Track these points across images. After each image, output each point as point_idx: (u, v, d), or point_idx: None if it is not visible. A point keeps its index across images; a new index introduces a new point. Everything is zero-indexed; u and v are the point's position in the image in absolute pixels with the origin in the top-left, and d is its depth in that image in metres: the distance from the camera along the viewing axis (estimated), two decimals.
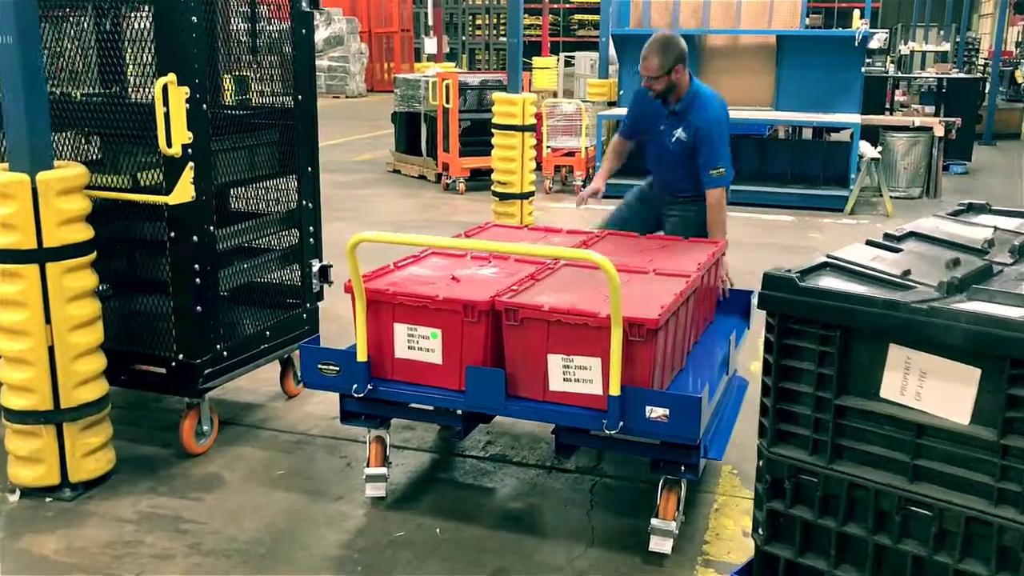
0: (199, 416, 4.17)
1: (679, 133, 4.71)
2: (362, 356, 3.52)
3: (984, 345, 1.97)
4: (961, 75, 16.59)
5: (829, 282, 2.26)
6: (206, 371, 4.04)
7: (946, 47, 22.42)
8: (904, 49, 21.95)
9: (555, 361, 3.31)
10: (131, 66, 4.09)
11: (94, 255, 3.68)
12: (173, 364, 4.03)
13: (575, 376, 3.30)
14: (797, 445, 2.30)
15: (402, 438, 4.36)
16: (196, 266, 3.94)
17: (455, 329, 3.43)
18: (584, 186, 11.33)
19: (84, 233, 3.63)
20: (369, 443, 3.77)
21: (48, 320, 3.57)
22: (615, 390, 3.17)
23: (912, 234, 2.75)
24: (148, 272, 4.20)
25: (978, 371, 2.01)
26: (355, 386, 3.54)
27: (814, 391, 2.23)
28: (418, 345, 3.50)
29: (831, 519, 2.27)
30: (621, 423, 3.20)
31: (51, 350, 3.60)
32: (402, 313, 3.50)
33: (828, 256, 2.40)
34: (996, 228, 2.88)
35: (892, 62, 21.91)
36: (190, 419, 4.14)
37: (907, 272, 2.31)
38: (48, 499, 3.75)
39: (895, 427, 2.14)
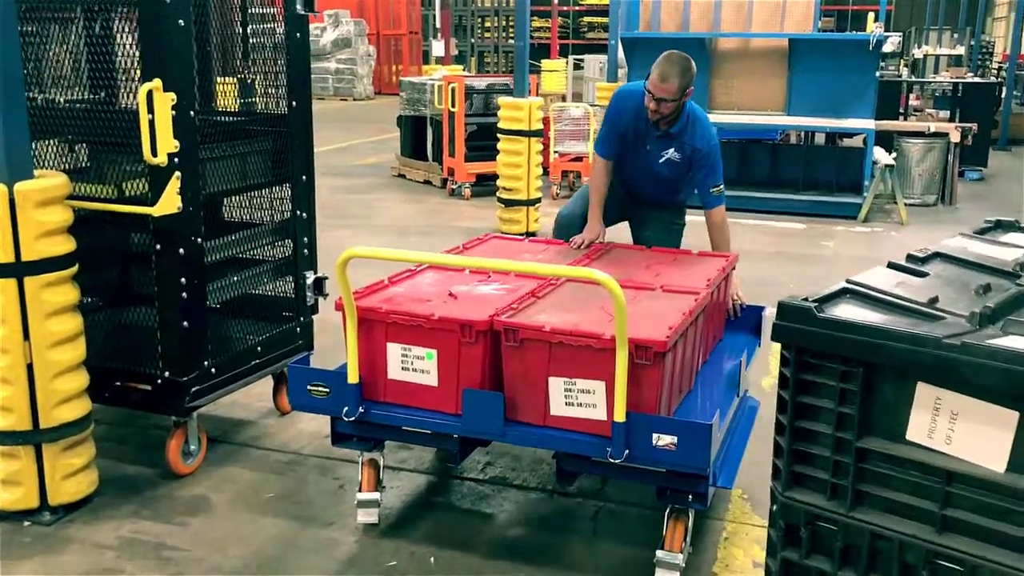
0: (186, 435, 4.01)
1: (670, 154, 4.51)
2: (353, 378, 3.35)
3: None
4: (977, 79, 16.35)
5: (850, 311, 2.08)
6: (193, 389, 3.88)
7: (960, 50, 22.16)
8: (918, 53, 21.68)
9: (557, 384, 3.14)
10: (119, 71, 3.94)
11: (75, 268, 3.52)
12: (159, 381, 3.86)
13: (578, 400, 3.12)
14: (814, 489, 2.11)
15: (398, 459, 4.19)
16: (183, 279, 3.78)
17: (451, 350, 3.25)
18: None
19: (65, 245, 3.47)
20: (361, 466, 3.59)
21: (27, 336, 3.42)
22: (620, 416, 2.99)
23: (938, 255, 2.57)
24: (133, 285, 4.05)
25: (1016, 414, 1.82)
26: (346, 409, 3.37)
27: (833, 431, 2.05)
28: (412, 366, 3.32)
29: (851, 571, 2.08)
30: (627, 451, 3.02)
31: (30, 368, 3.45)
32: (395, 332, 3.32)
33: (848, 281, 2.22)
34: None
35: (905, 66, 21.65)
36: (177, 438, 3.98)
37: (934, 300, 2.14)
38: (26, 523, 3.59)
39: (922, 473, 1.96)
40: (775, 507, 2.18)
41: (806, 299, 2.08)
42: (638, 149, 4.59)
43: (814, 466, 2.12)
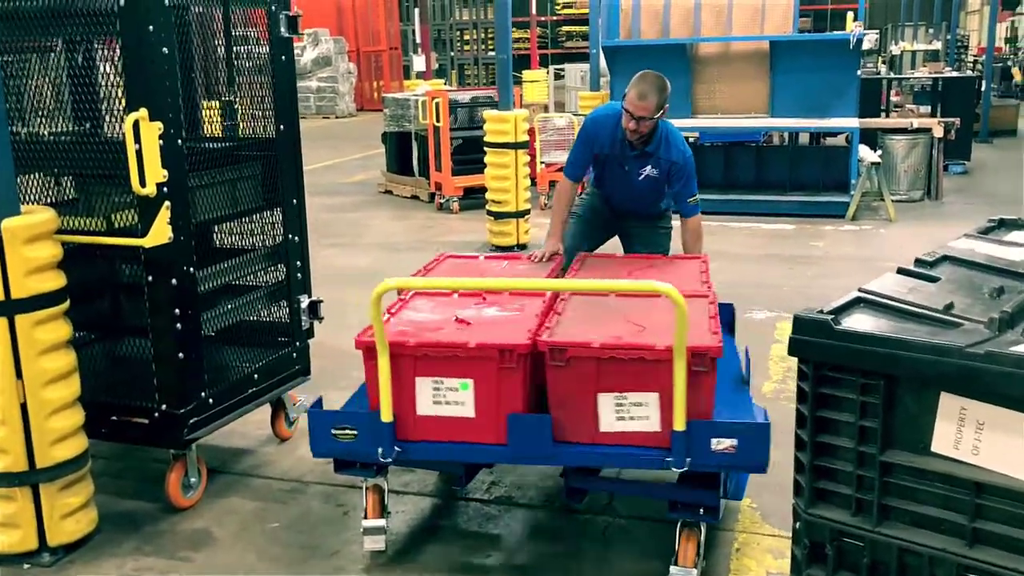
0: (186, 467, 3.94)
1: (648, 171, 4.62)
2: (387, 416, 3.23)
3: None
4: (956, 74, 16.42)
5: (865, 321, 2.05)
6: (191, 420, 3.81)
7: (937, 45, 22.28)
8: (895, 49, 21.79)
9: (607, 400, 3.08)
10: (104, 101, 3.88)
11: (67, 304, 3.45)
12: (156, 415, 3.79)
13: (630, 414, 3.08)
14: (838, 505, 2.07)
15: (402, 482, 4.12)
16: (177, 310, 3.71)
17: (490, 377, 3.16)
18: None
19: (55, 281, 3.40)
20: (366, 493, 3.53)
21: (19, 375, 3.34)
22: (680, 425, 2.97)
23: (946, 258, 2.54)
24: (127, 318, 3.98)
25: None
26: (381, 451, 3.27)
27: (856, 445, 2.01)
28: (445, 399, 3.24)
29: None
30: (688, 459, 3.00)
31: (24, 407, 3.37)
32: (426, 365, 3.22)
33: (861, 290, 2.18)
34: None
35: (884, 62, 21.76)
36: (176, 471, 3.91)
37: (950, 306, 2.10)
38: (26, 566, 3.51)
39: (949, 485, 1.92)
40: (798, 524, 2.13)
41: (821, 311, 2.04)
42: (617, 169, 4.70)
43: (837, 481, 2.07)
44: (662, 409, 3.01)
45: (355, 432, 3.29)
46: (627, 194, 4.79)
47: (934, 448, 1.95)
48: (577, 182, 4.86)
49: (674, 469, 3.03)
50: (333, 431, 3.31)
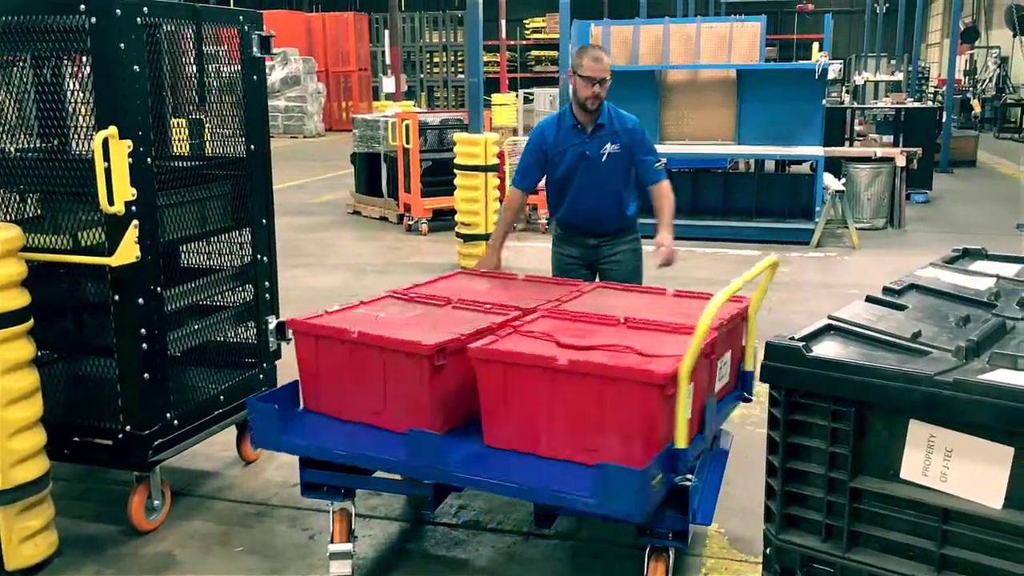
0: (149, 490, 3.88)
1: (609, 147, 4.60)
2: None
3: (1019, 423, 1.77)
4: (918, 105, 16.73)
5: (836, 349, 2.07)
6: (156, 442, 3.76)
7: (899, 76, 22.72)
8: (858, 79, 22.19)
9: None
10: (72, 118, 3.83)
11: (31, 323, 3.39)
12: (120, 436, 3.74)
13: None
14: (808, 531, 2.08)
15: (369, 506, 4.09)
16: (143, 330, 3.67)
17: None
18: (549, 224, 11.20)
19: (19, 299, 3.34)
20: (333, 516, 3.50)
21: None
22: None
23: (913, 287, 2.58)
24: (91, 337, 3.92)
25: (1011, 450, 1.81)
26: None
27: (826, 472, 2.02)
28: None
29: None
30: None
31: None
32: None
33: (831, 318, 2.21)
34: (998, 277, 2.72)
35: (847, 92, 22.13)
36: (139, 493, 3.85)
37: (917, 334, 2.13)
38: None
39: (918, 512, 1.94)
40: (769, 550, 2.14)
41: (793, 338, 2.06)
42: (578, 161, 4.63)
43: (807, 507, 2.09)
44: None
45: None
46: (591, 189, 4.65)
47: (903, 475, 1.97)
48: (525, 192, 4.87)
49: None
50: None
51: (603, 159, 4.61)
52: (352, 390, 3.45)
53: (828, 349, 2.09)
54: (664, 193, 4.69)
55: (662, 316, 3.62)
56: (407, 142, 10.80)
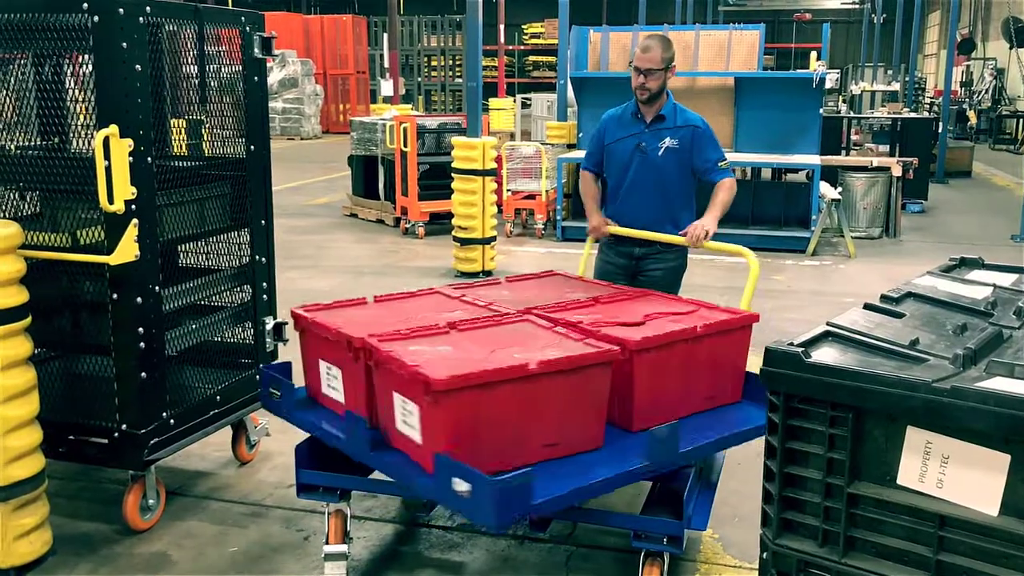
0: (144, 489, 3.88)
1: (668, 142, 4.43)
2: None
3: (1015, 430, 1.78)
4: (914, 115, 16.80)
5: (834, 355, 2.08)
6: (152, 441, 3.76)
7: (895, 87, 22.80)
8: (855, 89, 22.27)
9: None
10: (72, 116, 3.83)
11: (28, 320, 3.39)
12: (116, 434, 3.73)
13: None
14: (805, 536, 2.09)
15: (364, 507, 4.09)
16: (140, 329, 3.67)
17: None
18: (545, 228, 11.22)
19: (17, 297, 3.34)
20: (328, 518, 3.50)
21: None
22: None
23: (910, 295, 2.59)
24: (89, 335, 3.91)
25: (1008, 457, 1.82)
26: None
27: (823, 477, 2.03)
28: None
29: None
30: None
31: None
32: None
33: (829, 324, 2.22)
34: (995, 286, 2.74)
35: (844, 102, 22.22)
36: (134, 493, 3.85)
37: (915, 341, 2.14)
38: None
39: (914, 518, 1.95)
40: (765, 555, 2.15)
41: (792, 344, 2.07)
42: (635, 154, 4.49)
43: (804, 512, 2.10)
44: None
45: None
46: (644, 188, 4.48)
47: (900, 481, 1.98)
48: (593, 173, 4.74)
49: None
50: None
51: (659, 153, 4.44)
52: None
53: (826, 355, 2.10)
54: (726, 186, 4.45)
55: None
56: (405, 145, 10.82)
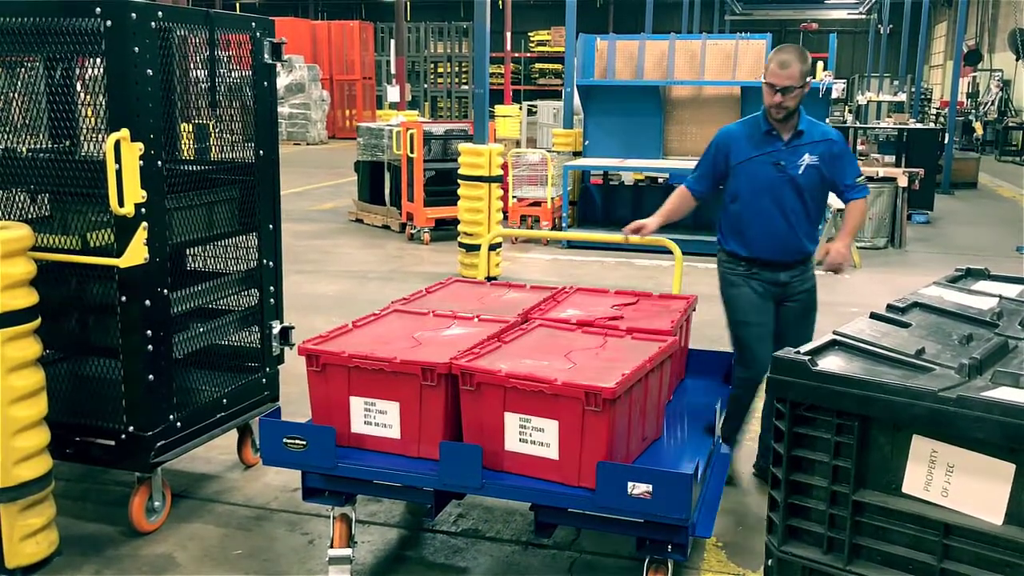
0: (150, 491, 3.89)
1: (807, 159, 4.08)
2: None
3: (1021, 440, 1.80)
4: (920, 126, 16.81)
5: (840, 363, 2.09)
6: (158, 443, 3.77)
7: (902, 97, 22.83)
8: (861, 99, 22.29)
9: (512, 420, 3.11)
10: (82, 119, 3.86)
11: (38, 322, 3.41)
12: (123, 436, 3.75)
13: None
14: (810, 543, 2.10)
15: (369, 512, 4.10)
16: (148, 331, 3.69)
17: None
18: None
19: (28, 298, 3.36)
20: (333, 521, 3.51)
21: None
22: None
23: (917, 305, 2.60)
24: (97, 337, 3.93)
25: (1012, 466, 1.83)
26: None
27: (829, 484, 2.04)
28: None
29: None
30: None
31: None
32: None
33: (836, 333, 2.23)
34: (1001, 297, 2.75)
35: (850, 112, 22.23)
36: (140, 494, 3.86)
37: (921, 351, 2.15)
38: None
39: (919, 526, 1.96)
40: (771, 562, 2.16)
41: (799, 352, 2.08)
42: (770, 173, 4.11)
43: (810, 519, 2.11)
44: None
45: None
46: (783, 209, 4.11)
47: (905, 489, 1.99)
48: (696, 196, 4.36)
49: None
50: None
51: (800, 172, 4.09)
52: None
53: (833, 363, 2.11)
54: (860, 208, 4.18)
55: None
56: (411, 151, 10.84)
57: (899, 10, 27.16)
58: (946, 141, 16.78)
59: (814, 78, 4.14)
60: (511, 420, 3.13)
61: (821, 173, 4.12)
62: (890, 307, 2.54)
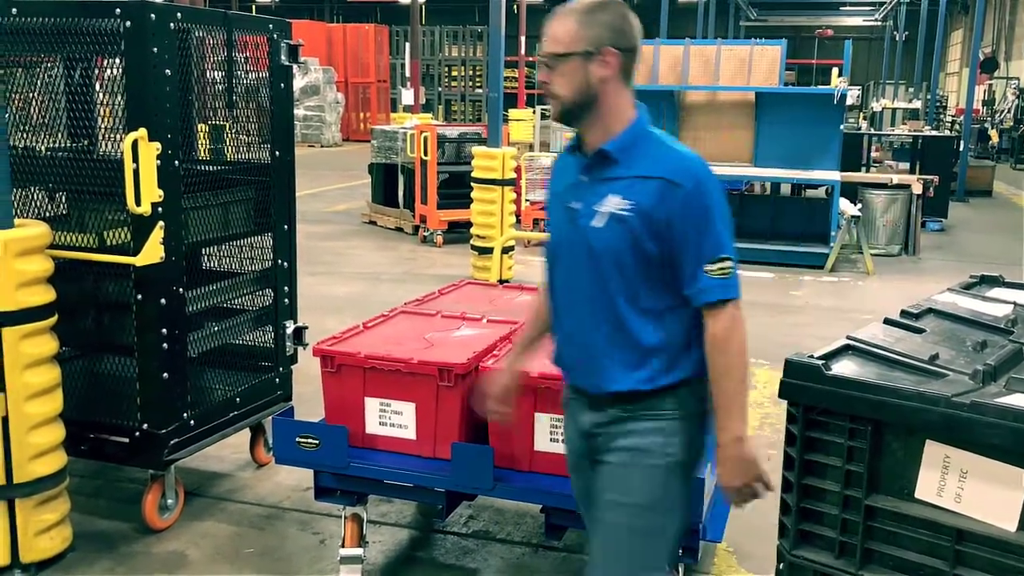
0: (163, 489, 3.92)
1: (610, 204, 2.21)
2: None
3: None
4: (935, 133, 16.76)
5: (854, 368, 2.09)
6: (172, 441, 3.80)
7: (917, 104, 22.76)
8: (876, 106, 22.24)
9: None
10: (100, 119, 3.89)
11: (54, 319, 3.44)
12: (137, 434, 3.78)
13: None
14: (822, 548, 2.10)
15: (380, 512, 4.11)
16: (164, 330, 3.71)
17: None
18: None
19: (44, 296, 3.39)
20: (344, 521, 3.52)
21: (2, 388, 3.31)
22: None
23: (931, 311, 2.60)
24: (112, 335, 3.96)
25: None
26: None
27: (841, 489, 2.05)
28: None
29: None
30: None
31: (4, 420, 3.33)
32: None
33: (849, 338, 2.24)
34: (1015, 304, 2.74)
35: (865, 118, 22.18)
36: (154, 492, 3.89)
37: (935, 356, 2.15)
38: None
39: (932, 531, 1.96)
40: (782, 566, 2.16)
41: (812, 356, 2.08)
42: (563, 217, 2.36)
43: (822, 524, 2.11)
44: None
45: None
46: (584, 295, 2.30)
47: (918, 494, 1.99)
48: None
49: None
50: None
51: (592, 221, 2.24)
52: None
53: (846, 368, 2.11)
54: (720, 337, 2.11)
55: None
56: (425, 154, 10.87)
57: (915, 17, 27.10)
58: (961, 149, 16.72)
59: (617, 54, 2.21)
60: (540, 420, 3.19)
61: (635, 237, 2.18)
62: (904, 313, 2.54)
